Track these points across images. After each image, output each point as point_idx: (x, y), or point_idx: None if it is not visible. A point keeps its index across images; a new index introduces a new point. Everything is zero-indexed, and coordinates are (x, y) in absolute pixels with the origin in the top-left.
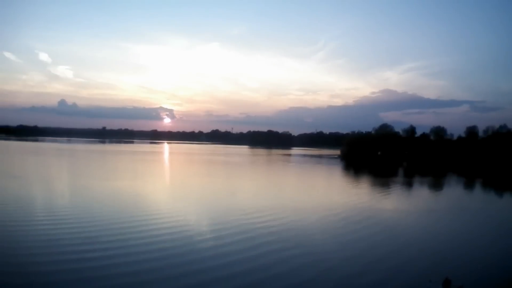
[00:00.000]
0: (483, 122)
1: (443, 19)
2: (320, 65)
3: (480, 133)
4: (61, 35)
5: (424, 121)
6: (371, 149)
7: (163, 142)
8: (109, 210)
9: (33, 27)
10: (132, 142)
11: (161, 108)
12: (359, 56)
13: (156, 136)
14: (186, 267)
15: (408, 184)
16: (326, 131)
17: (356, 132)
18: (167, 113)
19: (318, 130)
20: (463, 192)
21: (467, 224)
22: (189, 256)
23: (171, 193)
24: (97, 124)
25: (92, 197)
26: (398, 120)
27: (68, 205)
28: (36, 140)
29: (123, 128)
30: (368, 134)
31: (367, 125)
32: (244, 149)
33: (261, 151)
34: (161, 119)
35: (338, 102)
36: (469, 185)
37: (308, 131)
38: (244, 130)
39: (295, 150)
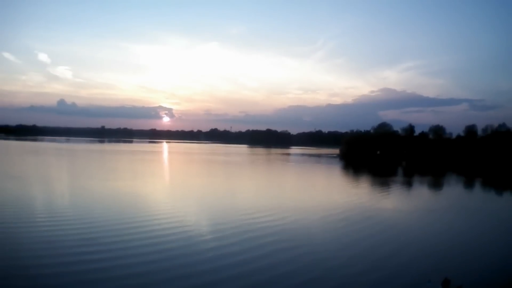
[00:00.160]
0: (482, 120)
1: (442, 18)
2: (319, 64)
3: (479, 132)
4: (60, 36)
5: (423, 120)
6: (370, 148)
7: (162, 141)
8: (110, 211)
9: (32, 28)
10: (131, 142)
11: (160, 107)
12: (358, 55)
13: (155, 135)
14: (190, 268)
15: (408, 183)
16: (325, 130)
17: (355, 131)
18: (166, 112)
19: (317, 129)
20: (462, 191)
21: (467, 224)
22: (193, 257)
23: (172, 193)
24: (96, 123)
25: (92, 198)
26: (397, 119)
27: (68, 206)
28: (35, 140)
29: (122, 127)
30: (367, 133)
31: (366, 124)
32: (243, 148)
33: (260, 150)
34: (160, 118)
35: (337, 101)
36: (468, 184)
37: (307, 130)
38: (243, 129)
39: (294, 149)
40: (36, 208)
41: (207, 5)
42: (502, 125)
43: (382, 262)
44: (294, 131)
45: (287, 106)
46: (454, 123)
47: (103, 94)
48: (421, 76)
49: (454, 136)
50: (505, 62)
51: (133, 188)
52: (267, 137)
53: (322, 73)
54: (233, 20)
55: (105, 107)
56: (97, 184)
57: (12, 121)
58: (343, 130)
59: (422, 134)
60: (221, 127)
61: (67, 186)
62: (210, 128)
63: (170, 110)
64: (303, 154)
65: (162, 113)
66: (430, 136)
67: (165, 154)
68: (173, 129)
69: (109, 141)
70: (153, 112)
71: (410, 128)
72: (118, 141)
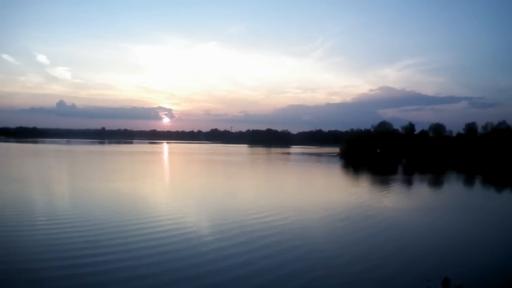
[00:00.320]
0: (482, 118)
1: (441, 16)
2: (318, 63)
3: (479, 130)
4: (59, 37)
5: (423, 118)
6: (370, 146)
7: (162, 142)
8: (114, 212)
9: (31, 29)
10: (131, 142)
11: (160, 107)
12: (357, 53)
13: (155, 136)
14: (199, 269)
15: (408, 181)
16: (325, 129)
17: (355, 129)
18: (166, 112)
19: (317, 128)
20: (462, 189)
21: (467, 222)
22: (200, 257)
23: (174, 194)
24: (96, 124)
25: (96, 200)
26: (397, 117)
27: (71, 208)
28: (36, 142)
29: (122, 128)
30: (367, 132)
31: (366, 123)
32: (243, 148)
33: (261, 150)
34: (160, 118)
35: (337, 99)
36: (468, 181)
37: (307, 129)
38: (243, 129)
39: (294, 149)
40: (40, 211)
41: (206, 5)
42: (502, 123)
43: (384, 260)
44: (294, 130)
45: (287, 105)
46: (454, 121)
47: (103, 95)
48: (420, 74)
49: (454, 134)
50: (504, 59)
51: (135, 189)
52: (267, 137)
53: (321, 72)
54: (232, 20)
55: (105, 108)
56: (99, 186)
57: (12, 123)
58: (342, 129)
59: (422, 132)
60: (221, 127)
61: (69, 189)
62: (210, 128)
63: (169, 110)
64: (303, 153)
65: (162, 114)
66: (430, 134)
67: (166, 155)
68: (173, 129)
69: (110, 143)
70: (153, 113)
71: (410, 126)
72: (119, 142)
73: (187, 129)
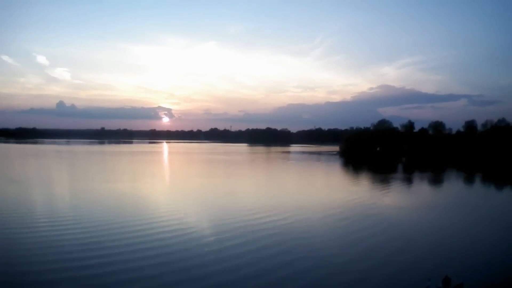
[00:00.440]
0: (482, 116)
1: (441, 14)
2: (317, 62)
3: (479, 127)
4: (59, 37)
5: (422, 116)
6: (370, 145)
7: (162, 142)
8: (115, 213)
9: (30, 30)
10: (131, 142)
11: (160, 107)
12: (357, 52)
13: (155, 135)
14: (205, 269)
15: (408, 180)
16: (325, 127)
17: (354, 128)
18: (166, 112)
19: (317, 127)
20: (462, 187)
21: (467, 220)
22: (205, 257)
23: (175, 194)
24: (96, 125)
25: (97, 201)
26: (397, 115)
27: (73, 210)
28: (36, 143)
29: (121, 128)
30: (366, 130)
31: (366, 121)
32: (243, 147)
33: (260, 149)
34: (160, 118)
35: (336, 98)
36: (468, 179)
37: (306, 127)
38: (243, 128)
39: (294, 147)
40: (42, 213)
41: (205, 5)
42: (502, 120)
43: (385, 259)
44: (293, 129)
45: (286, 104)
46: (454, 118)
47: (102, 95)
48: (420, 72)
49: (453, 131)
50: (504, 57)
51: (137, 189)
52: (267, 136)
53: (320, 71)
54: (231, 19)
55: (105, 108)
56: (100, 187)
57: (12, 124)
58: (342, 128)
59: (422, 130)
60: (220, 127)
61: (70, 190)
62: (210, 127)
63: (169, 110)
64: (303, 152)
65: (161, 114)
66: (430, 132)
67: (166, 155)
68: (173, 129)
69: (109, 143)
70: (153, 113)
71: (410, 125)
72: (118, 142)
73: (187, 128)
